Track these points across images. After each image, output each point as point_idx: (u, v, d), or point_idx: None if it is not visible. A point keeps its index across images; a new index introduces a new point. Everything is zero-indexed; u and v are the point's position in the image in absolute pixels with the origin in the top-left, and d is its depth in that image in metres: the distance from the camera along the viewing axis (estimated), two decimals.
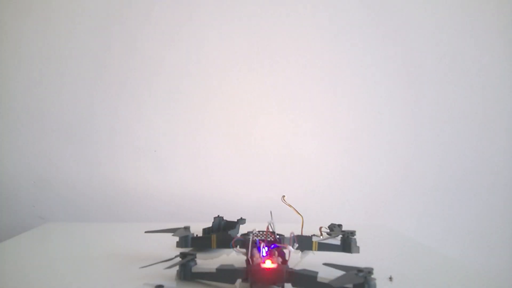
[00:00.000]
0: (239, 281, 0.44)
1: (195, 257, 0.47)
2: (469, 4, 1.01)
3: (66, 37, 0.94)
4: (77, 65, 0.94)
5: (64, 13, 0.94)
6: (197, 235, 0.59)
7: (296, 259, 0.56)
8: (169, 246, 0.59)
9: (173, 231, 0.59)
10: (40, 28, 0.94)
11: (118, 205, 0.94)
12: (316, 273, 0.41)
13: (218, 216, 0.69)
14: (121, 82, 0.95)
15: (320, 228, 0.69)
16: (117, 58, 0.95)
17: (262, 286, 0.41)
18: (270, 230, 0.50)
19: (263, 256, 0.46)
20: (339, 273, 0.41)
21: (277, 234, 0.51)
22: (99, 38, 0.95)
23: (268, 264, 0.43)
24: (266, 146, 0.97)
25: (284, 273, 0.42)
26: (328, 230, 0.69)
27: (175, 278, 0.47)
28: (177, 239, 0.58)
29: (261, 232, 0.50)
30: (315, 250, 0.53)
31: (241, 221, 0.68)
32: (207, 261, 0.56)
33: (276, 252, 0.47)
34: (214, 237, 0.54)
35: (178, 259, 0.47)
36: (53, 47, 0.94)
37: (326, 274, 0.41)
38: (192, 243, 0.57)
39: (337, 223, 0.72)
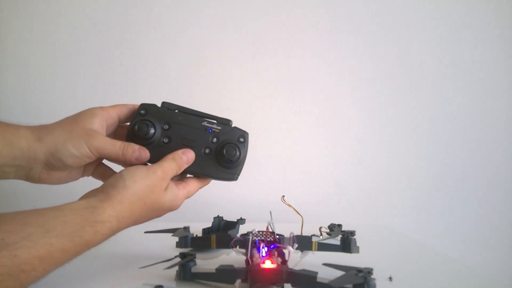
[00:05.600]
0: (238, 281, 0.44)
1: (195, 258, 0.47)
2: (469, 4, 1.01)
3: (66, 37, 0.94)
4: (77, 65, 0.94)
5: (65, 12, 0.94)
6: (196, 235, 0.59)
7: (296, 259, 0.56)
8: (168, 246, 0.59)
9: (172, 231, 0.59)
10: (41, 28, 0.94)
11: None
12: (316, 273, 0.41)
13: (218, 216, 0.69)
14: (123, 82, 0.95)
15: (320, 228, 0.69)
16: (119, 58, 0.95)
17: (262, 286, 0.41)
18: (270, 230, 0.50)
19: (262, 256, 0.46)
20: (339, 273, 0.41)
21: (277, 234, 0.51)
22: (100, 38, 0.95)
23: (268, 264, 0.43)
24: (266, 146, 0.97)
25: (284, 273, 0.42)
26: (328, 230, 0.69)
27: (175, 279, 0.47)
28: (176, 239, 0.58)
29: (260, 232, 0.50)
30: (315, 250, 0.53)
31: (241, 221, 0.68)
32: (207, 261, 0.56)
33: (276, 252, 0.47)
34: (213, 237, 0.54)
35: (178, 259, 0.47)
36: (54, 47, 0.94)
37: (326, 274, 0.41)
38: (192, 243, 0.57)
39: (337, 223, 0.72)
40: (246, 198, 0.95)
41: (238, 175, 0.53)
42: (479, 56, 1.01)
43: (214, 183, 0.56)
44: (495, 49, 1.01)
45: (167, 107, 0.53)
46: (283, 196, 0.62)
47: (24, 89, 0.94)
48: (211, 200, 0.94)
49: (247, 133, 0.54)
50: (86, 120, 0.48)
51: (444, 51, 1.01)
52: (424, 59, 1.00)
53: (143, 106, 0.52)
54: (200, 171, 0.52)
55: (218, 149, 0.52)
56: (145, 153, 0.49)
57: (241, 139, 0.53)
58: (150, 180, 0.45)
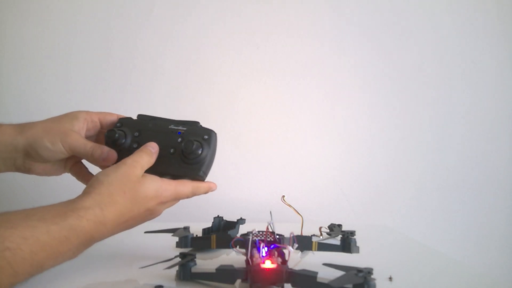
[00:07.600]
0: (238, 281, 0.44)
1: (195, 257, 0.47)
2: (469, 4, 1.01)
3: (66, 37, 0.94)
4: (77, 65, 0.94)
5: (64, 11, 0.94)
6: (196, 235, 0.59)
7: (296, 259, 0.56)
8: (168, 246, 0.59)
9: (172, 231, 0.59)
10: (40, 28, 0.94)
11: None
12: (316, 273, 0.41)
13: (218, 216, 0.70)
14: (122, 81, 0.95)
15: (320, 228, 0.69)
16: (117, 57, 0.95)
17: (262, 286, 0.41)
18: (270, 230, 0.50)
19: (262, 256, 0.46)
20: (339, 273, 0.40)
21: (277, 234, 0.51)
22: (99, 37, 0.95)
23: (268, 264, 0.43)
24: (266, 146, 0.97)
25: (284, 273, 0.42)
26: (328, 230, 0.69)
27: (175, 279, 0.47)
28: (176, 239, 0.58)
29: (260, 232, 0.50)
30: (315, 250, 0.53)
31: (241, 221, 0.68)
32: (207, 261, 0.56)
33: (276, 252, 0.47)
34: (213, 237, 0.54)
35: (178, 259, 0.47)
36: (53, 47, 0.94)
37: (326, 274, 0.41)
38: (192, 243, 0.57)
39: (337, 223, 0.72)
40: (246, 198, 0.95)
41: (204, 172, 0.54)
42: (480, 57, 1.01)
43: None
44: (496, 49, 1.01)
45: (142, 118, 0.57)
46: (283, 196, 0.62)
47: (23, 88, 0.94)
48: (211, 200, 0.93)
49: (214, 132, 0.55)
50: (68, 121, 0.54)
51: (444, 51, 1.01)
52: (424, 59, 1.00)
53: (120, 120, 0.58)
54: (167, 170, 0.53)
55: (181, 147, 0.53)
56: (113, 155, 0.53)
57: (206, 137, 0.54)
58: (121, 169, 0.48)
